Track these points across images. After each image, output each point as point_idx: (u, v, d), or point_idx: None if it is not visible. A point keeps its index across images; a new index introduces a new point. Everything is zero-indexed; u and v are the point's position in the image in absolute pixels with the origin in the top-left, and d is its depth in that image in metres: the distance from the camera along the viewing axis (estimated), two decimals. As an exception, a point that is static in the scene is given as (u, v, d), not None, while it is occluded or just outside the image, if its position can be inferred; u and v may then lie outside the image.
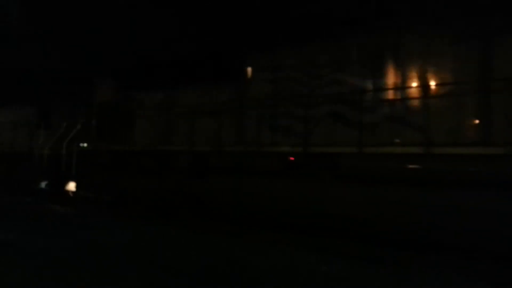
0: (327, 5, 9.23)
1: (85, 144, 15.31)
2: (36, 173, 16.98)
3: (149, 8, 12.24)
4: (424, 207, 7.54)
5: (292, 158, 9.56)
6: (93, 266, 6.28)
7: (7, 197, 15.89)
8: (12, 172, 17.83)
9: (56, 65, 16.46)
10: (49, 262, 6.49)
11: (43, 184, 16.91)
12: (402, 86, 8.48)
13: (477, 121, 7.63)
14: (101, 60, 14.87)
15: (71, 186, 15.61)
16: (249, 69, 10.96)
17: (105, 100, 14.78)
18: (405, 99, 8.34)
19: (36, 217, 11.37)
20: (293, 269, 6.29)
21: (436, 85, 7.91)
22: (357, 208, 8.25)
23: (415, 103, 8.23)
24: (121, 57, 13.62)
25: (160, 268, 6.22)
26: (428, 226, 7.39)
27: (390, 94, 8.67)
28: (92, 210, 13.12)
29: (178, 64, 12.36)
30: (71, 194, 15.59)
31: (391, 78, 8.70)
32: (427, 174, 7.64)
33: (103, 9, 13.13)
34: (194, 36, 11.16)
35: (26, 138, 17.64)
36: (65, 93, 17.07)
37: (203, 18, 10.86)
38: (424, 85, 8.16)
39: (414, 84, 8.32)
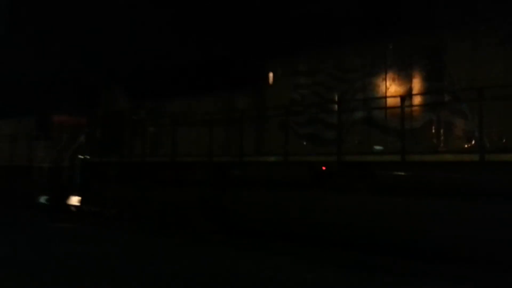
0: (360, 4, 8.63)
1: (89, 156, 14.53)
2: (36, 187, 16.14)
3: (161, 13, 11.62)
4: (479, 222, 6.89)
5: (324, 168, 8.88)
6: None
7: (4, 213, 15.06)
8: (11, 186, 16.94)
9: (57, 72, 15.75)
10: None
11: (43, 199, 16.05)
12: (447, 89, 7.86)
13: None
14: (107, 67, 14.17)
15: (74, 200, 14.80)
16: (271, 75, 10.31)
17: (112, 109, 14.04)
18: (452, 102, 7.72)
19: (33, 234, 10.67)
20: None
21: (486, 87, 7.29)
22: (399, 222, 7.57)
23: (462, 107, 7.61)
24: (130, 63, 12.93)
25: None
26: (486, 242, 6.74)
27: (434, 98, 8.05)
28: (99, 226, 12.37)
29: (193, 70, 11.70)
30: (74, 209, 14.77)
31: (433, 81, 8.08)
32: (483, 185, 7.00)
33: (110, 12, 12.50)
34: (210, 41, 10.50)
35: (25, 150, 16.79)
36: (66, 103, 16.33)
37: (221, 22, 10.22)
38: (470, 88, 7.54)
39: (461, 86, 7.70)
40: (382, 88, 8.64)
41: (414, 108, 8.17)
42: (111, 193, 13.28)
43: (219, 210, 10.39)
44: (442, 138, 7.78)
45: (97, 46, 13.55)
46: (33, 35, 14.09)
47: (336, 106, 9.08)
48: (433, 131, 7.94)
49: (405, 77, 8.40)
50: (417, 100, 8.24)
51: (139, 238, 10.38)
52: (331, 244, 8.43)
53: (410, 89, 8.30)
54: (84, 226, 12.70)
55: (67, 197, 14.85)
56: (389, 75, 8.57)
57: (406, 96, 8.13)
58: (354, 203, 8.23)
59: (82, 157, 14.59)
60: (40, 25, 13.72)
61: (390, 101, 8.44)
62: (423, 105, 8.15)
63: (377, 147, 8.47)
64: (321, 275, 6.52)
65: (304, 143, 9.53)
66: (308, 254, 8.20)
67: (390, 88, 8.55)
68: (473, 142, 7.36)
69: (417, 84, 8.26)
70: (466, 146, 7.46)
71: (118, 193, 13.05)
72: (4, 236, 10.40)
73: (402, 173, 7.95)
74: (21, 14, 13.46)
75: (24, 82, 15.53)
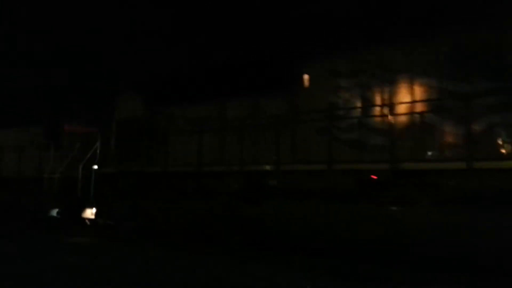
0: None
1: (104, 166, 13.73)
2: (46, 199, 15.31)
3: (183, 12, 10.85)
4: None
5: (374, 177, 8.12)
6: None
7: (13, 227, 14.22)
8: (19, 198, 16.10)
9: (68, 78, 15.00)
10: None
11: (54, 212, 15.20)
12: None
13: None
14: (122, 73, 13.42)
15: (89, 213, 13.97)
16: (306, 77, 9.57)
17: (127, 116, 13.26)
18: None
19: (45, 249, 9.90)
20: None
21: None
22: (471, 237, 6.81)
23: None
24: (148, 68, 12.18)
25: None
26: None
27: (498, 99, 7.31)
28: (116, 240, 11.60)
29: (219, 73, 10.95)
30: (88, 222, 13.94)
31: (495, 81, 7.35)
32: None
33: (126, 14, 11.75)
34: (238, 42, 9.76)
35: (34, 160, 15.98)
36: (78, 110, 15.55)
37: (250, 21, 9.48)
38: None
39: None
40: (435, 89, 7.91)
41: (472, 110, 7.44)
42: (128, 205, 12.47)
43: (252, 223, 9.60)
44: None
45: (110, 50, 12.77)
46: (41, 40, 13.29)
47: (383, 109, 8.34)
48: (497, 135, 7.21)
49: (462, 77, 7.66)
50: (477, 101, 7.50)
51: (160, 253, 9.60)
52: (387, 262, 7.65)
53: (468, 90, 7.56)
54: (100, 240, 11.94)
55: (80, 210, 14.03)
56: (444, 75, 7.83)
57: (465, 97, 7.40)
58: (416, 215, 7.46)
59: (96, 167, 13.79)
60: (51, 29, 12.93)
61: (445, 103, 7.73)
62: (484, 107, 7.41)
63: (431, 153, 7.74)
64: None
65: (347, 149, 8.77)
66: (354, 272, 7.39)
67: (445, 89, 7.82)
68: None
69: (476, 85, 7.52)
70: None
71: (137, 205, 12.24)
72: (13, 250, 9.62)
73: (469, 182, 7.19)
74: (29, 16, 12.69)
75: (32, 89, 14.73)
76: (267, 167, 9.46)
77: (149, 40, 12.09)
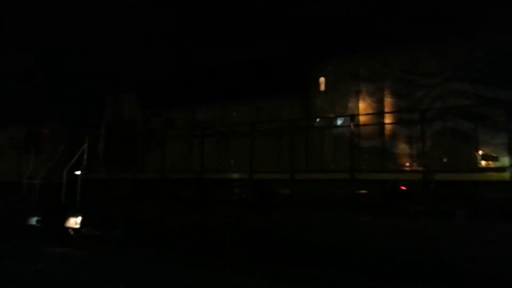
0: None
1: (92, 172, 12.79)
2: (25, 206, 14.19)
3: (184, 7, 10.16)
4: None
5: (403, 188, 7.54)
6: None
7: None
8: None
9: (53, 78, 14.02)
10: None
11: (33, 220, 14.09)
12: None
13: None
14: (114, 72, 12.57)
15: (73, 222, 12.96)
16: (322, 79, 8.99)
17: (121, 118, 12.41)
18: None
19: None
20: None
21: None
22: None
23: None
24: (145, 67, 11.39)
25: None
26: None
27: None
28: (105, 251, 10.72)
29: (224, 74, 10.26)
30: (72, 232, 12.93)
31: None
32: None
33: (120, 9, 10.99)
34: (247, 41, 9.11)
35: (13, 165, 14.85)
36: (62, 111, 14.55)
37: (261, 17, 8.85)
38: None
39: None
40: (469, 94, 7.43)
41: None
42: (119, 214, 11.58)
43: (262, 235, 8.90)
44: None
45: (102, 48, 11.94)
46: (27, 36, 12.34)
47: (410, 116, 7.82)
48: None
49: (499, 82, 7.20)
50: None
51: (152, 266, 8.84)
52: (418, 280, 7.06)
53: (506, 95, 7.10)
54: (84, 251, 11.06)
55: (64, 218, 13.01)
56: (477, 80, 7.35)
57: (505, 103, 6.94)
58: (451, 229, 6.92)
59: (83, 172, 12.83)
60: (37, 25, 12.01)
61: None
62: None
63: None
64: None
65: (366, 157, 8.21)
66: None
67: (480, 94, 7.34)
68: None
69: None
70: None
71: (129, 214, 11.37)
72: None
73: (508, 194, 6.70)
74: (16, 15, 11.76)
75: (15, 88, 13.70)
76: (279, 176, 8.78)
77: (146, 39, 11.29)
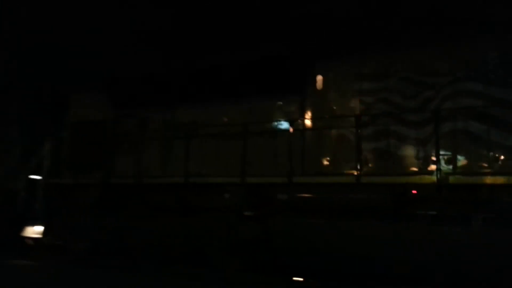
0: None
1: (54, 176, 11.67)
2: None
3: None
4: None
5: (414, 192, 7.14)
6: None
7: None
8: None
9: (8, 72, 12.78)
10: None
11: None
12: None
13: None
14: (80, 68, 11.56)
15: (31, 231, 11.76)
16: (319, 78, 8.53)
17: (88, 119, 11.40)
18: None
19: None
20: None
21: None
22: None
23: None
24: (115, 61, 10.48)
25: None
26: None
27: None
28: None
29: (211, 73, 9.57)
30: (31, 242, 11.70)
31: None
32: None
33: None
34: (237, 37, 8.50)
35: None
36: (18, 109, 13.28)
37: (253, 11, 8.30)
38: None
39: None
40: (481, 95, 7.18)
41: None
42: (88, 222, 10.55)
43: (256, 244, 8.26)
44: None
45: (67, 41, 10.95)
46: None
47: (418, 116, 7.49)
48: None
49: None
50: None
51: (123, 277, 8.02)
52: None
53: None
54: (44, 262, 9.98)
55: (21, 227, 11.77)
56: (489, 81, 7.12)
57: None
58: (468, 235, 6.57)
59: (43, 177, 11.70)
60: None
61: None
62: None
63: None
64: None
65: (370, 160, 7.79)
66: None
67: (493, 95, 7.10)
68: None
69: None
70: None
71: (98, 222, 10.37)
72: None
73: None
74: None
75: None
76: (276, 179, 8.18)
77: (119, 32, 10.40)
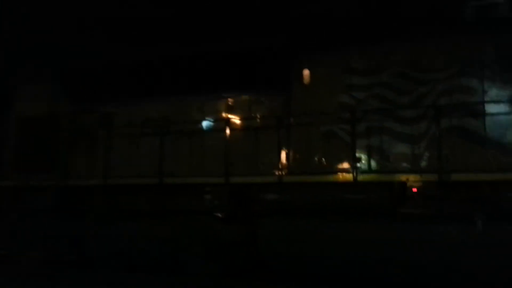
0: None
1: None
2: None
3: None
4: None
5: (415, 190, 6.87)
6: None
7: None
8: None
9: None
10: None
11: None
12: None
13: None
14: (28, 57, 10.43)
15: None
16: (306, 72, 8.11)
17: (38, 113, 10.25)
18: None
19: None
20: None
21: None
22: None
23: None
24: (71, 50, 9.50)
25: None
26: None
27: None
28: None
29: (187, 63, 8.88)
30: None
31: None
32: None
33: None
34: (216, 26, 7.91)
35: None
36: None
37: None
38: None
39: None
40: (478, 91, 7.07)
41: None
42: (40, 229, 9.47)
43: (240, 248, 7.69)
44: None
45: (14, 27, 9.84)
46: None
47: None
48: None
49: (509, 79, 6.94)
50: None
51: None
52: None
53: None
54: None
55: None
56: (488, 77, 7.03)
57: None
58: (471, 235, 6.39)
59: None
60: None
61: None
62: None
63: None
64: None
65: (362, 157, 7.48)
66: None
67: (490, 91, 7.01)
68: None
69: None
70: None
71: (54, 229, 9.33)
72: None
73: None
74: None
75: None
76: (264, 179, 7.66)
77: (77, 16, 9.42)
